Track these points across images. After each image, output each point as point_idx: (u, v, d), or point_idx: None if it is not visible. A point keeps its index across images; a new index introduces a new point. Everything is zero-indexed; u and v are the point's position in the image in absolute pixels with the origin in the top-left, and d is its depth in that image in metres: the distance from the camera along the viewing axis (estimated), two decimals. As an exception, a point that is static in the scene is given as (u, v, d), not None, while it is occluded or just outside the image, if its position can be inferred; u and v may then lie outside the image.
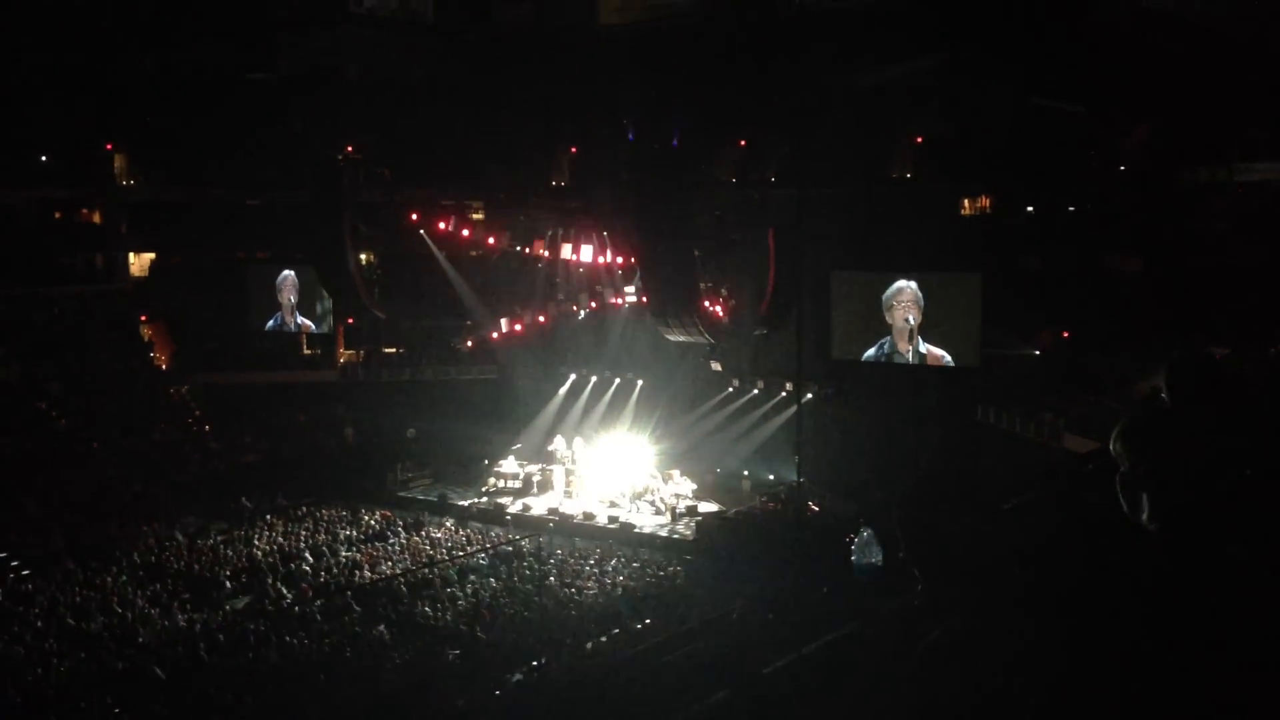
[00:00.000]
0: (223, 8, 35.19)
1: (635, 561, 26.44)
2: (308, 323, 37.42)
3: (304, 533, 28.46)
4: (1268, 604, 3.32)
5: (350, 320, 37.99)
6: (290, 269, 37.13)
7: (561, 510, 30.79)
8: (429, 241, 35.10)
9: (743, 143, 33.91)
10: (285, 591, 23.95)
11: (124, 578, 25.00)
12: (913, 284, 29.62)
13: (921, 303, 29.49)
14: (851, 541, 23.54)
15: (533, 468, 33.42)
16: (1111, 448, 3.69)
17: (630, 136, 29.19)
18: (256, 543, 27.46)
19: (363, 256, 36.40)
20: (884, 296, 29.99)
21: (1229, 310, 24.46)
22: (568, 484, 32.40)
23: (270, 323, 37.87)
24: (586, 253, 33.69)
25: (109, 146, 37.86)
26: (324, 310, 36.90)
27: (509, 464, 33.47)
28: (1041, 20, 27.72)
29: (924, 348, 29.50)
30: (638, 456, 32.64)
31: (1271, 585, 3.39)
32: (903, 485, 3.58)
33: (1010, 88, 29.26)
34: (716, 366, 35.07)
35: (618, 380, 36.54)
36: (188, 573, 25.42)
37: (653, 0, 34.61)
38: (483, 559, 26.31)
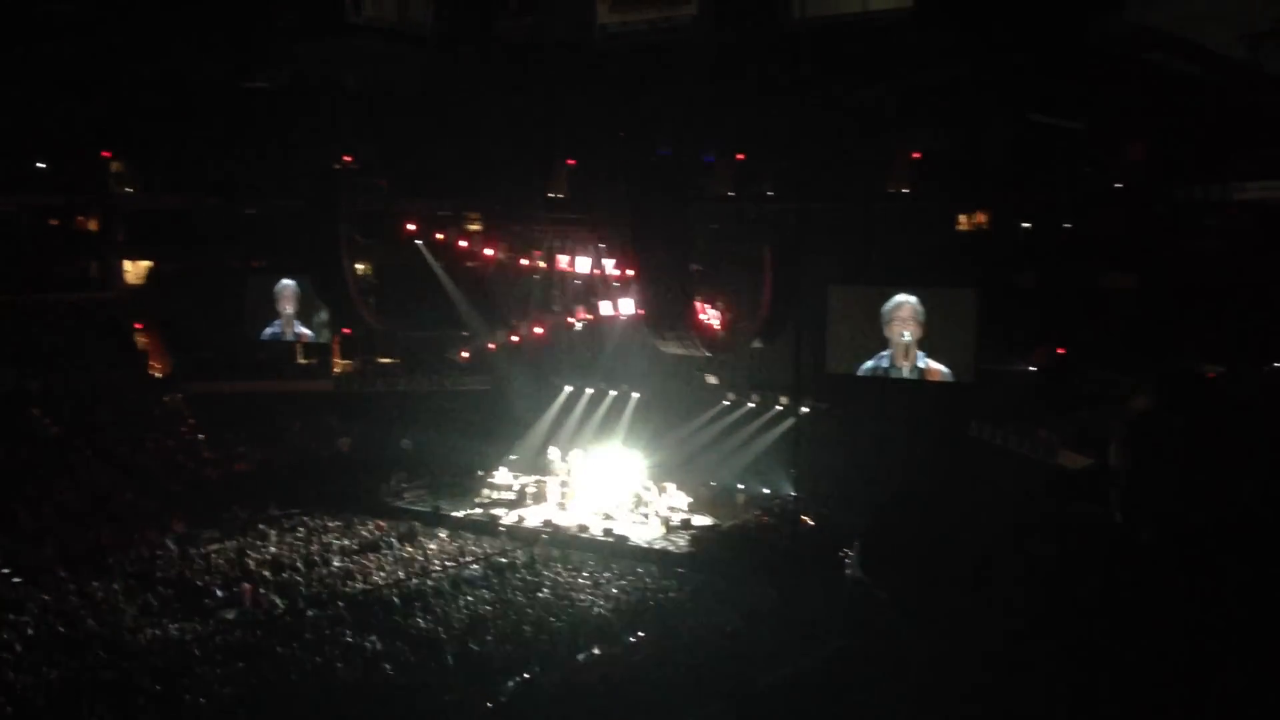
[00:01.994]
0: (221, 16, 35.14)
1: (629, 574, 26.38)
2: (306, 332, 37.40)
3: (297, 542, 28.38)
4: (1260, 612, 3.31)
5: (346, 330, 37.98)
6: (290, 278, 37.12)
7: (555, 522, 30.74)
8: (426, 253, 35.09)
9: (740, 156, 33.90)
10: (278, 601, 23.88)
11: (115, 586, 24.92)
12: (913, 299, 29.64)
13: (921, 317, 29.51)
14: (846, 556, 23.53)
15: (527, 479, 33.41)
16: (1110, 460, 3.68)
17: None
18: (249, 552, 27.39)
19: (359, 267, 36.36)
20: (884, 310, 30.00)
21: (1224, 328, 24.45)
22: (562, 496, 32.38)
23: (269, 331, 37.84)
24: (583, 265, 33.69)
25: (106, 154, 37.84)
26: (322, 320, 36.88)
27: (503, 475, 33.44)
28: (1040, 37, 27.76)
29: (923, 362, 29.50)
30: (632, 469, 32.62)
31: (1264, 594, 3.38)
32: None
33: (1008, 105, 29.31)
34: (712, 380, 35.07)
35: (613, 393, 36.53)
36: (179, 582, 25.33)
37: (652, 13, 34.62)
38: (476, 570, 26.24)
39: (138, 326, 38.76)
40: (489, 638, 21.34)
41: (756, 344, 31.70)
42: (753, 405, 34.35)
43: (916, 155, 32.66)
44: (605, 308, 34.32)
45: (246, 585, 24.67)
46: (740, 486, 32.91)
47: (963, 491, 26.47)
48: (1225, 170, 27.82)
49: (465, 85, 35.72)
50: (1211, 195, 28.35)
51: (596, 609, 23.26)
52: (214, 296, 37.71)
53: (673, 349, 30.27)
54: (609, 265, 33.39)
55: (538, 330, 35.96)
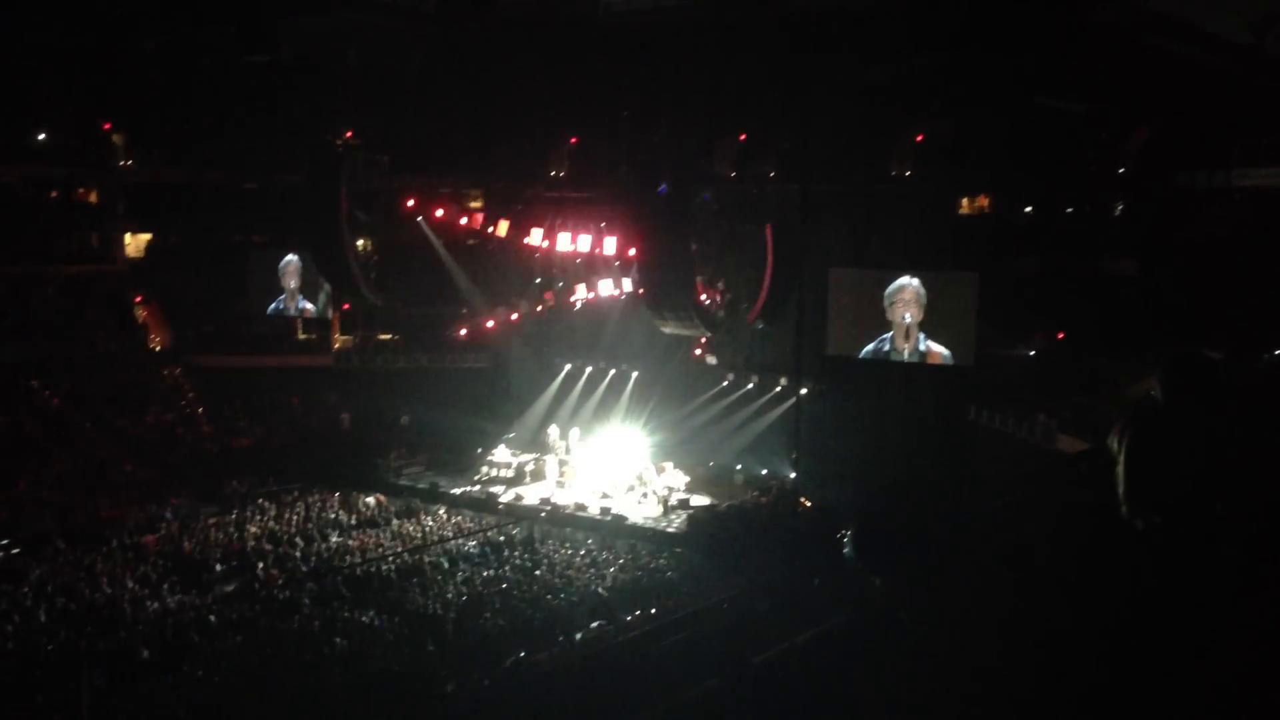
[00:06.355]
0: (224, -10, 35.09)
1: (627, 553, 26.43)
2: (310, 306, 37.39)
3: (295, 517, 28.43)
4: (1261, 602, 3.31)
5: (346, 306, 37.97)
6: (294, 254, 37.12)
7: (554, 500, 30.77)
8: (426, 229, 35.05)
9: (743, 137, 33.86)
10: (276, 575, 23.95)
11: (114, 559, 24.97)
12: (915, 281, 29.63)
13: (923, 300, 29.51)
14: (843, 535, 23.58)
15: (526, 457, 33.42)
16: (1110, 445, 3.67)
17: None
18: (247, 527, 27.44)
19: (360, 243, 36.35)
20: (886, 293, 30.01)
21: (1225, 315, 24.48)
22: (560, 474, 32.41)
23: (272, 306, 37.84)
24: (584, 243, 33.66)
25: (107, 126, 37.76)
26: (326, 295, 36.88)
27: (502, 453, 33.46)
28: (1044, 21, 27.70)
29: (924, 345, 29.52)
30: (631, 448, 32.64)
31: (1265, 583, 3.39)
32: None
33: (1012, 88, 29.25)
34: (711, 360, 35.07)
35: (612, 371, 36.53)
36: (177, 555, 25.39)
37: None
38: (474, 547, 26.30)
39: (138, 299, 38.75)
40: (486, 615, 21.40)
41: (758, 325, 31.69)
42: (752, 386, 34.38)
43: (919, 138, 32.63)
44: (606, 287, 34.30)
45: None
46: (738, 467, 32.95)
47: (961, 475, 26.53)
48: (1228, 156, 27.78)
49: (467, 61, 35.67)
50: (1215, 181, 28.31)
51: (594, 587, 23.31)
52: (214, 270, 37.70)
53: (672, 329, 30.27)
54: (610, 244, 33.36)
55: (537, 308, 35.96)
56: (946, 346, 29.42)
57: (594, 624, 21.39)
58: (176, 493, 30.03)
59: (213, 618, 21.12)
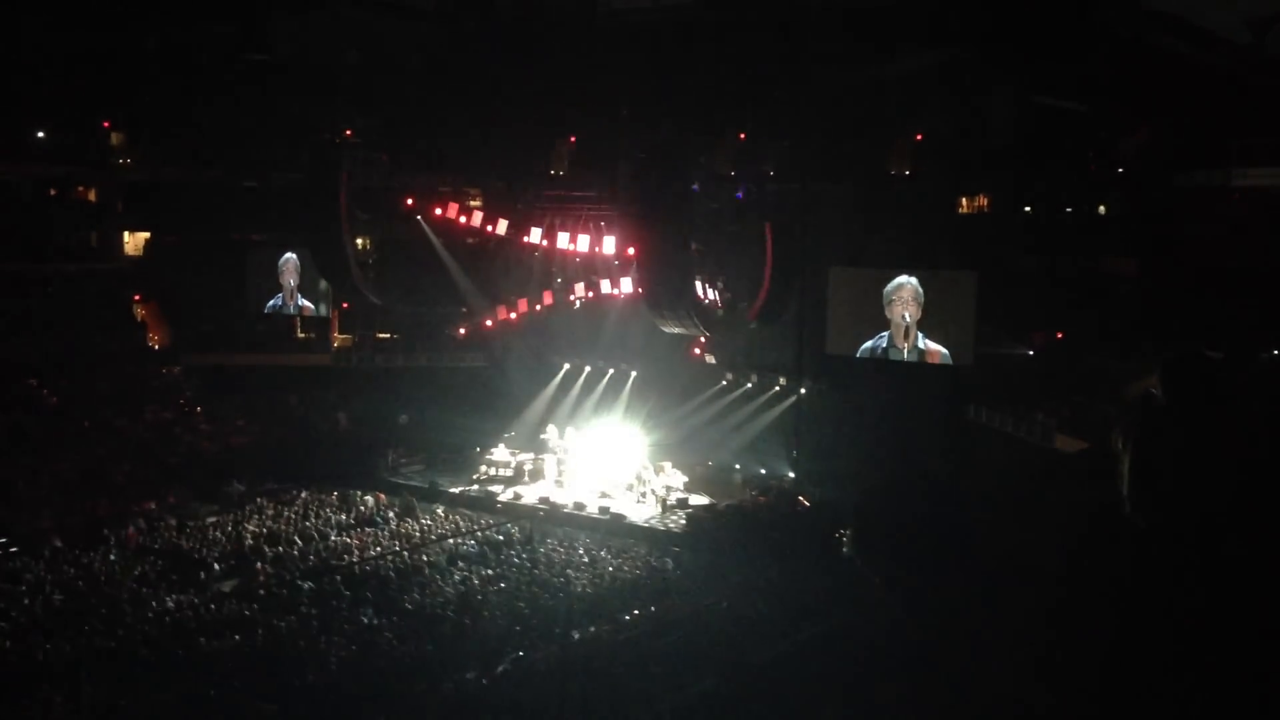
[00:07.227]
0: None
1: (625, 552, 26.42)
2: (308, 305, 37.38)
3: (294, 516, 28.41)
4: (1263, 599, 3.31)
5: (345, 305, 37.97)
6: (292, 252, 37.11)
7: (552, 499, 30.77)
8: (426, 228, 35.02)
9: (742, 135, 33.85)
10: (274, 574, 23.93)
11: (112, 558, 24.95)
12: (913, 280, 29.61)
13: (921, 299, 29.49)
14: (842, 535, 23.58)
15: (524, 456, 33.41)
16: (1112, 444, 3.67)
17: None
18: (246, 525, 27.41)
19: (359, 241, 36.31)
20: (885, 291, 29.99)
21: (1223, 314, 24.49)
22: (559, 473, 32.41)
23: (271, 304, 37.84)
24: (583, 242, 33.64)
25: (106, 124, 37.74)
26: (325, 293, 36.87)
27: (501, 452, 33.45)
28: (1044, 20, 27.70)
29: (923, 344, 29.52)
30: (630, 447, 32.62)
31: (1266, 581, 3.39)
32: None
33: (1011, 87, 29.27)
34: (710, 359, 35.04)
35: (611, 370, 36.50)
36: (176, 554, 25.36)
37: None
38: (472, 546, 26.29)
39: (136, 298, 38.74)
40: (484, 614, 21.38)
41: (757, 324, 31.66)
42: (751, 385, 34.36)
43: (919, 137, 32.63)
44: (605, 286, 34.28)
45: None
46: (738, 466, 32.93)
47: (959, 474, 26.54)
48: (1227, 156, 27.80)
49: (467, 60, 35.67)
50: (1214, 181, 28.34)
51: (592, 586, 23.30)
52: (213, 269, 37.67)
53: (671, 328, 30.27)
54: (609, 244, 33.33)
55: (536, 307, 35.92)
56: (945, 345, 29.41)
57: (592, 624, 21.37)
58: (175, 492, 30.00)
59: (208, 616, 21.12)
